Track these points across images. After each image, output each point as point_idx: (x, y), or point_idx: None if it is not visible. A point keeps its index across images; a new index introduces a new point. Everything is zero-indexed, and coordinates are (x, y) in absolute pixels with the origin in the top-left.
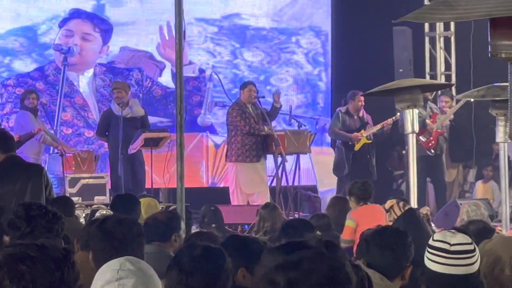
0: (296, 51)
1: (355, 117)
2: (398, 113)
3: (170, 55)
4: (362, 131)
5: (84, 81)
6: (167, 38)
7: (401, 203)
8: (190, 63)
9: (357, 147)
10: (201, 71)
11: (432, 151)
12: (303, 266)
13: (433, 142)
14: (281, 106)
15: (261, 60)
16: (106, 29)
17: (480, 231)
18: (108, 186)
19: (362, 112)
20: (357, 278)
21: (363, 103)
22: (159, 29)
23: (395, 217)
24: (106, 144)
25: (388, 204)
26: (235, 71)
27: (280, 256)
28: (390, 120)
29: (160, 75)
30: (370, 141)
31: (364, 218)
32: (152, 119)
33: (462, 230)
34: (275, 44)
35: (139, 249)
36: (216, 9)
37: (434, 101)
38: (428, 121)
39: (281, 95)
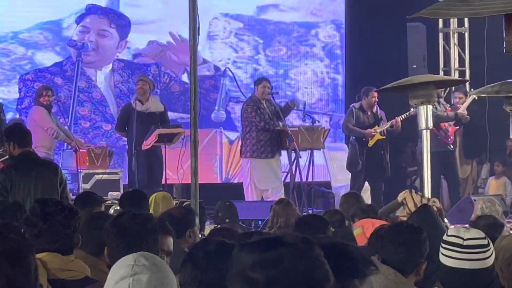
0: (316, 44)
1: (369, 113)
2: (412, 109)
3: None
4: (376, 127)
5: (101, 77)
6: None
7: (413, 192)
8: (204, 61)
9: (371, 143)
10: (216, 68)
11: (452, 146)
12: (283, 264)
13: (451, 137)
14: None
15: (282, 55)
16: (122, 24)
17: (489, 226)
18: (124, 182)
19: (375, 108)
20: None
21: (377, 99)
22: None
23: (408, 208)
24: (124, 138)
25: (400, 196)
26: (255, 66)
27: (257, 253)
28: (399, 118)
29: (184, 72)
30: (384, 137)
31: (368, 223)
32: (172, 115)
33: (473, 225)
34: (294, 38)
35: (154, 245)
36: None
37: (448, 98)
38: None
39: (300, 89)
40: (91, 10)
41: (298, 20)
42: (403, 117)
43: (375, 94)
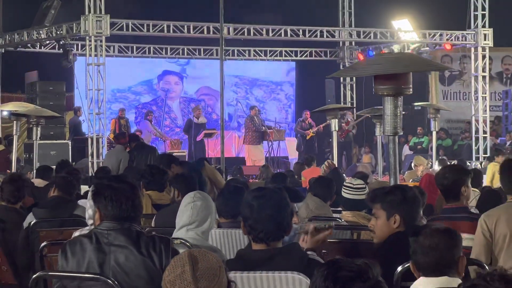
0: (280, 93)
1: (306, 122)
2: (327, 121)
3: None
4: (310, 130)
5: (175, 106)
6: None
7: (327, 162)
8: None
9: (308, 137)
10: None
11: (343, 139)
12: (266, 197)
13: (343, 135)
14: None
15: (262, 96)
16: (181, 78)
17: (363, 177)
18: (186, 157)
19: (309, 120)
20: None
21: (309, 116)
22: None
23: (324, 170)
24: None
25: (325, 164)
26: (248, 102)
27: (253, 192)
28: (321, 126)
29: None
30: (314, 135)
31: (307, 173)
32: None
33: (357, 177)
34: (270, 88)
35: (202, 189)
36: (239, 71)
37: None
38: (343, 124)
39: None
40: (166, 72)
41: (272, 80)
42: (323, 125)
43: (308, 113)
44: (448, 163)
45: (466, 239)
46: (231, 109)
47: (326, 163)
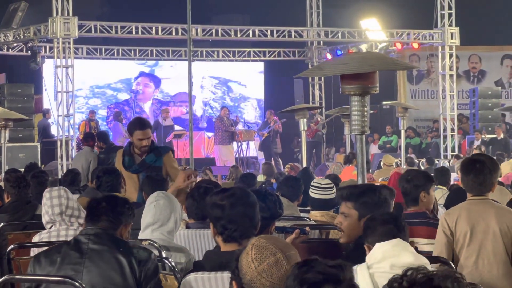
0: (252, 93)
1: (269, 122)
2: (283, 120)
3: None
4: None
5: (147, 107)
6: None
7: (289, 165)
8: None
9: (263, 137)
10: (204, 103)
11: (311, 138)
12: (236, 195)
13: (311, 134)
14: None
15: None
16: (156, 81)
17: (333, 178)
18: None
19: (273, 118)
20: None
21: (273, 116)
22: None
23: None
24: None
25: (287, 167)
26: (222, 102)
27: (222, 193)
28: (276, 125)
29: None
30: (268, 135)
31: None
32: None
33: (326, 177)
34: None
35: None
36: (210, 72)
37: (321, 114)
38: (312, 124)
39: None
40: (141, 73)
41: (242, 81)
42: (278, 123)
43: (269, 113)
44: (416, 161)
45: (424, 244)
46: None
47: (288, 165)
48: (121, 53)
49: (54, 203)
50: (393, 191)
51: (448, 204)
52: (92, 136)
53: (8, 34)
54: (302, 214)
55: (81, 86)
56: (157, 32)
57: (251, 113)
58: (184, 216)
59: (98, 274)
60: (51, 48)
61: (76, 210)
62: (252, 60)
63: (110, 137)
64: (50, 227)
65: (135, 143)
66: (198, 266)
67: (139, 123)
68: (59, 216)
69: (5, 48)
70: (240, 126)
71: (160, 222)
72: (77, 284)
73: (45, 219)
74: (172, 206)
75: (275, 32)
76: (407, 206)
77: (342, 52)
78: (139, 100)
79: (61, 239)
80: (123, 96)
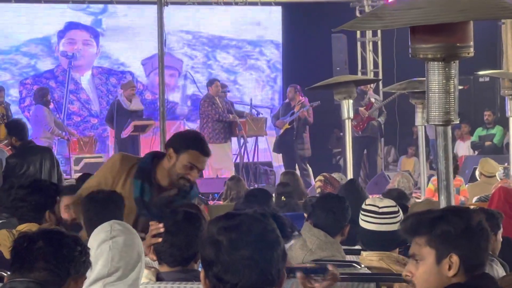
0: (260, 59)
1: (293, 105)
2: (315, 103)
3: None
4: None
5: (85, 80)
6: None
7: (323, 176)
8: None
9: (282, 131)
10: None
11: (360, 132)
12: (242, 228)
13: (361, 125)
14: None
15: (232, 63)
16: (96, 35)
17: (399, 196)
18: None
19: (301, 100)
20: None
21: (299, 95)
22: None
23: (319, 190)
24: (108, 129)
25: (318, 179)
26: (210, 71)
27: (222, 221)
28: (304, 111)
29: None
30: (289, 127)
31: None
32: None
33: (386, 196)
34: (243, 51)
35: (120, 215)
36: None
37: (376, 92)
38: (361, 109)
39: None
40: (72, 25)
41: (246, 38)
42: (313, 106)
43: (293, 89)
44: None
45: None
46: (184, 88)
47: (320, 177)
48: None
49: None
50: (495, 217)
51: None
52: None
53: None
54: (348, 257)
55: None
56: None
57: (259, 90)
58: (149, 262)
59: None
60: None
61: None
62: (263, 3)
63: (29, 131)
64: None
65: (174, 168)
66: None
67: (202, 144)
68: None
69: None
70: (240, 109)
71: (119, 273)
72: None
73: None
74: (136, 245)
75: None
76: None
77: None
78: (73, 69)
79: None
80: (46, 64)
